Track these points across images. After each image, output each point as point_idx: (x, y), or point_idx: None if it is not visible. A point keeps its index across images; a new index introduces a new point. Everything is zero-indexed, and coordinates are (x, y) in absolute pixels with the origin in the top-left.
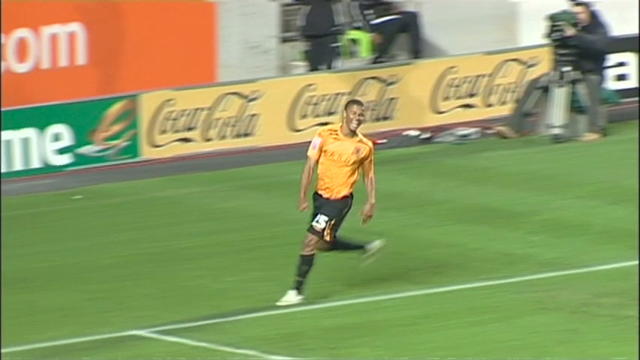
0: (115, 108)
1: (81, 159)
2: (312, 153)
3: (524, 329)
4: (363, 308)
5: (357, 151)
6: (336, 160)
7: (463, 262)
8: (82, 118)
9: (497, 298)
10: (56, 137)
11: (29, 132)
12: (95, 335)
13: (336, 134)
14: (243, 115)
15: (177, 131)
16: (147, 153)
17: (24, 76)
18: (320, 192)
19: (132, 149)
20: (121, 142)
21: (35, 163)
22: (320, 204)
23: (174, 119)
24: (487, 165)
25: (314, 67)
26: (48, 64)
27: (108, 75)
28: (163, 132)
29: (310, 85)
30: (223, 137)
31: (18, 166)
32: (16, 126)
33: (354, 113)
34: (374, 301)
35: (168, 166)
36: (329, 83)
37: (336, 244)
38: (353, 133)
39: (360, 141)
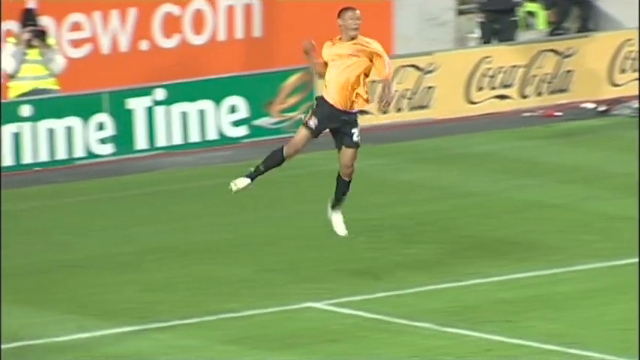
0: (292, 80)
1: (257, 131)
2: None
3: None
4: (540, 281)
5: (357, 52)
6: (338, 63)
7: None
8: (258, 90)
9: None
10: (232, 109)
11: (206, 104)
12: (272, 307)
13: (335, 42)
14: (419, 88)
15: None
16: None
17: (200, 49)
18: (333, 103)
19: None
20: (298, 114)
21: (211, 135)
22: (341, 117)
23: None
24: None
25: (489, 40)
26: (224, 37)
27: (282, 47)
28: None
29: (487, 57)
30: (399, 110)
31: (194, 138)
32: (193, 98)
33: (350, 18)
34: (551, 274)
35: None
36: (505, 56)
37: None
38: (352, 40)
39: (360, 43)
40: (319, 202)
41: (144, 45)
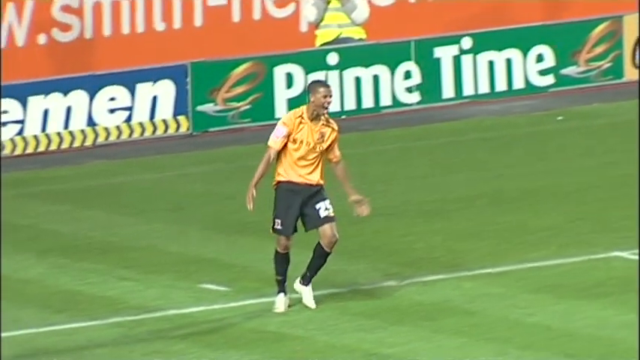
0: (599, 29)
1: (563, 80)
2: (276, 143)
3: None
4: None
5: (322, 136)
6: (304, 148)
7: None
8: (564, 40)
9: None
10: (539, 58)
11: (513, 53)
12: (578, 257)
13: (302, 119)
14: None
15: None
16: (630, 74)
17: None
18: (295, 181)
19: (615, 70)
20: (605, 64)
21: (518, 84)
22: (308, 192)
23: None
24: None
25: None
26: None
27: None
28: None
29: None
30: None
31: (501, 87)
32: (500, 47)
33: (324, 96)
34: None
35: None
36: None
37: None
38: (318, 117)
39: (326, 124)
40: (624, 153)
41: None
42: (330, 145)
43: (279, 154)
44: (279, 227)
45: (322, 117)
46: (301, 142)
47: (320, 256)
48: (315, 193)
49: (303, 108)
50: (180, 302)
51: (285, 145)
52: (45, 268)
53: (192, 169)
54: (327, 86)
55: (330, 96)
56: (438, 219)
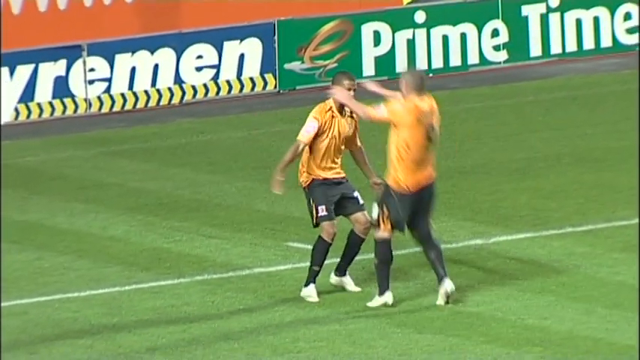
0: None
1: None
2: (306, 137)
3: None
4: None
5: (350, 127)
6: (333, 140)
7: None
8: None
9: None
10: (626, 16)
11: (600, 11)
12: None
13: (332, 113)
14: None
15: None
16: None
17: None
18: (326, 175)
19: None
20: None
21: (605, 42)
22: (338, 182)
23: None
24: None
25: None
26: None
27: None
28: None
29: None
30: None
31: (588, 45)
32: (587, 5)
33: (348, 89)
34: None
35: None
36: None
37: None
38: (343, 108)
39: (349, 114)
40: None
41: None
42: (353, 134)
43: (310, 148)
44: (324, 213)
45: (345, 108)
46: (331, 134)
47: (355, 244)
48: (344, 182)
49: (330, 101)
50: (267, 260)
51: (314, 138)
52: (131, 226)
53: (279, 126)
54: (352, 79)
55: (355, 89)
56: (524, 177)
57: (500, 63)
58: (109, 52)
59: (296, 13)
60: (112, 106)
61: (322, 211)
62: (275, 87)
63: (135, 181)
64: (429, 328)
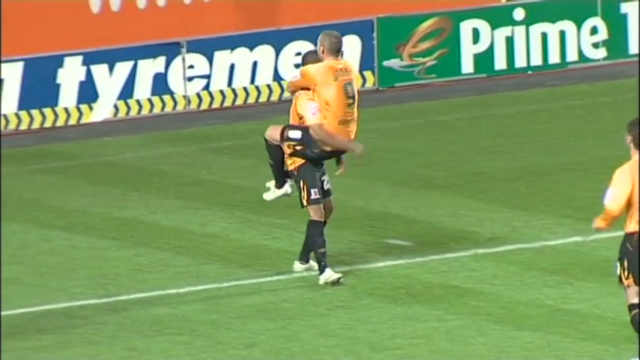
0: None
1: None
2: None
3: None
4: None
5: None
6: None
7: None
8: None
9: None
10: None
11: None
12: None
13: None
14: None
15: None
16: None
17: None
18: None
19: None
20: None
21: None
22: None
23: None
24: None
25: None
26: None
27: None
28: None
29: None
30: None
31: None
32: None
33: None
34: None
35: None
36: None
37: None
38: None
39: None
40: None
41: None
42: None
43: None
44: (318, 196)
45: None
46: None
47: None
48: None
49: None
50: (366, 257)
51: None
52: (230, 223)
53: (378, 124)
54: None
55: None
56: None
57: (599, 60)
58: (208, 49)
59: (395, 10)
60: (211, 103)
61: (315, 194)
62: (374, 84)
63: (234, 177)
64: (527, 325)
